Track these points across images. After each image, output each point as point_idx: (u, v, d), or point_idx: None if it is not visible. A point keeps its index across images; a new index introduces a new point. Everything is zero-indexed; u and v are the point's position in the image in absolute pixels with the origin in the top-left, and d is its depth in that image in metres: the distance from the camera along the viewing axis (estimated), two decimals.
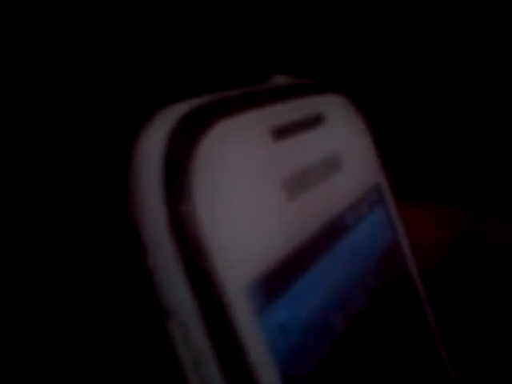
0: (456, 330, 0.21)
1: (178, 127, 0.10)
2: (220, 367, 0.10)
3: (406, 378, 0.16)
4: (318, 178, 0.14)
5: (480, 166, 0.35)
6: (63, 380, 0.25)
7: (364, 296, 0.15)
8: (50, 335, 0.25)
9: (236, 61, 0.32)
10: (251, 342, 0.10)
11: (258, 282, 0.11)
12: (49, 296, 0.26)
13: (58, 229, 0.27)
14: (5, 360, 0.25)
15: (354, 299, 0.14)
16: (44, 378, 0.25)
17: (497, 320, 0.21)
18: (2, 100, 0.28)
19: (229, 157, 0.11)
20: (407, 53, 0.35)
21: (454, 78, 0.35)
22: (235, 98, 0.12)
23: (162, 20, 0.31)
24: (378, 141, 0.19)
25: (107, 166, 0.27)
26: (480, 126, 0.35)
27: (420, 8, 0.35)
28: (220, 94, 0.12)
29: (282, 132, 0.13)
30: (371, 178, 0.18)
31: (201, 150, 0.10)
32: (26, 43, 0.28)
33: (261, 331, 0.10)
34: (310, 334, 0.12)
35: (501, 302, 0.21)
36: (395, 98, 0.35)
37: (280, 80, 0.16)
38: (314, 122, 0.15)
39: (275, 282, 0.11)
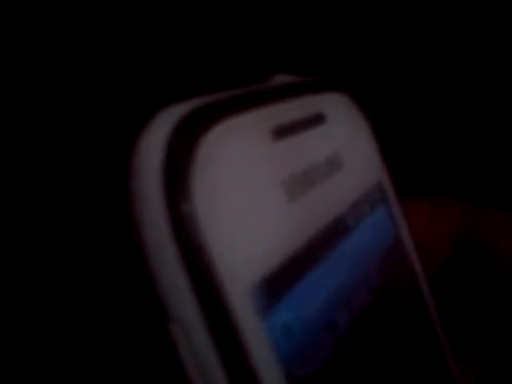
0: (461, 329, 0.21)
1: (179, 127, 0.10)
2: (224, 369, 0.09)
3: (411, 378, 0.16)
4: (319, 178, 0.14)
5: (482, 162, 0.35)
6: (66, 382, 0.25)
7: (368, 295, 0.15)
8: (53, 339, 0.25)
9: (236, 60, 0.32)
10: (255, 343, 0.10)
11: (261, 283, 0.11)
12: (51, 300, 0.26)
13: (58, 230, 0.27)
14: (5, 360, 0.25)
15: (357, 299, 0.14)
16: (47, 380, 0.25)
17: (503, 320, 0.21)
18: (3, 100, 0.28)
19: (230, 157, 0.11)
20: (408, 51, 0.35)
21: (456, 75, 0.35)
22: (236, 97, 0.12)
23: (162, 20, 0.31)
24: (380, 139, 0.18)
25: (108, 166, 0.27)
26: (482, 123, 0.35)
27: (420, 6, 0.35)
28: (220, 93, 0.12)
29: (284, 131, 0.13)
30: (373, 177, 0.18)
31: (201, 151, 0.10)
32: (26, 44, 0.28)
33: (264, 332, 0.10)
34: (314, 334, 0.12)
35: (506, 302, 0.21)
36: (397, 96, 0.35)
37: (281, 79, 0.16)
38: (315, 120, 0.15)
39: (278, 283, 0.11)
